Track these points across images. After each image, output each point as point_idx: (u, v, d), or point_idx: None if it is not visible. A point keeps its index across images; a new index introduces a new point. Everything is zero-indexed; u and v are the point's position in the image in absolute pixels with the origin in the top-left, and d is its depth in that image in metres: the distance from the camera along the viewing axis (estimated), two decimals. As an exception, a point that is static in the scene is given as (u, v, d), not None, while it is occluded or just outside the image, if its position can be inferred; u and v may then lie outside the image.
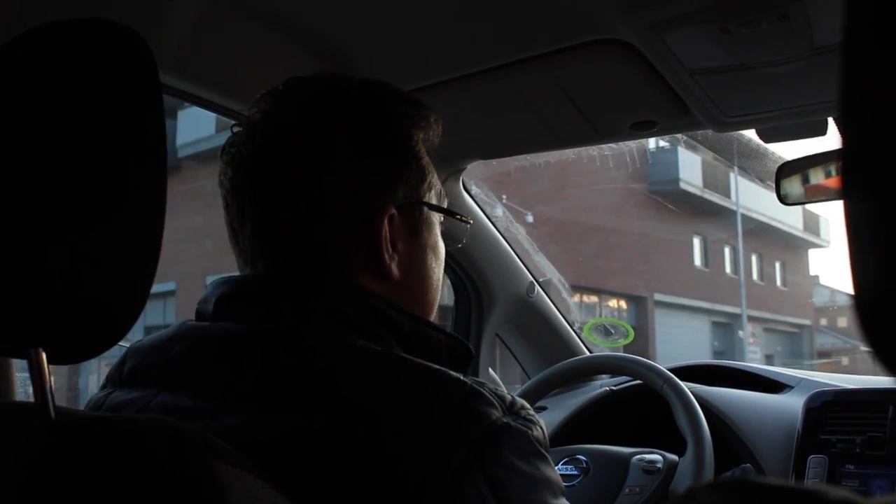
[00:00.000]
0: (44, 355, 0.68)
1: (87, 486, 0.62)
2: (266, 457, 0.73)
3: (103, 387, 0.95)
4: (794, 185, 1.67)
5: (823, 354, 27.24)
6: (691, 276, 23.08)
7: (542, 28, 1.33)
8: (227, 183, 0.97)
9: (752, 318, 24.64)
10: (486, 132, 1.79)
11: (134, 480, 0.62)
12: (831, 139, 1.55)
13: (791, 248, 26.94)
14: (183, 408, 0.82)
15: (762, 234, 23.90)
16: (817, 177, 1.64)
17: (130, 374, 0.93)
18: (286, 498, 0.70)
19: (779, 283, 27.37)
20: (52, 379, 0.68)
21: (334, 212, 0.94)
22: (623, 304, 20.48)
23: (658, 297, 21.02)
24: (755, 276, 26.05)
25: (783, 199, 1.68)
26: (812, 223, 25.90)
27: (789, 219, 23.04)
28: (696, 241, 23.22)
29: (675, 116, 1.55)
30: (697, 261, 23.72)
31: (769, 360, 25.26)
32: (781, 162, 1.67)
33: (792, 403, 1.83)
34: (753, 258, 25.77)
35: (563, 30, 1.33)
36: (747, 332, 24.18)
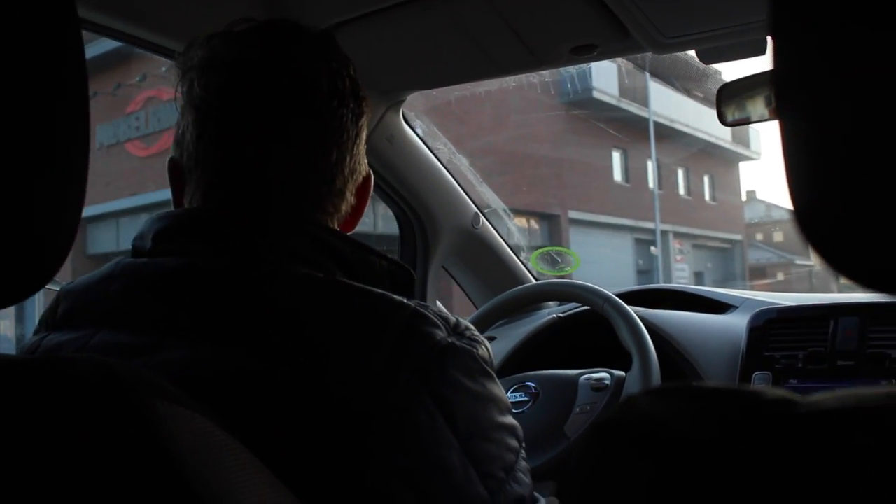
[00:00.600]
0: None
1: (19, 428, 0.60)
2: (207, 391, 0.73)
3: (37, 331, 0.93)
4: (735, 106, 1.67)
5: (758, 270, 27.22)
6: (611, 192, 22.03)
7: (477, -49, 1.30)
8: (197, 103, 0.95)
9: (679, 235, 24.23)
10: (424, 62, 1.76)
11: (67, 419, 0.61)
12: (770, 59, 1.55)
13: (720, 160, 26.15)
14: (122, 345, 0.81)
15: (688, 147, 23.12)
16: (757, 97, 1.64)
17: (65, 315, 0.91)
18: (227, 432, 0.69)
19: (707, 197, 26.62)
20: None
21: (300, 154, 0.94)
22: (534, 222, 18.99)
23: (573, 214, 20.16)
24: (682, 190, 25.25)
25: (723, 120, 1.68)
26: (741, 135, 25.28)
27: (717, 130, 22.00)
28: (616, 156, 22.32)
29: (615, 39, 1.53)
30: (618, 176, 22.73)
31: (699, 277, 25.43)
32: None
33: (736, 323, 1.86)
34: (680, 172, 25.05)
35: (498, -48, 1.30)
36: (673, 249, 23.56)
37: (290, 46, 0.96)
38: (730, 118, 1.67)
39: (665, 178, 24.24)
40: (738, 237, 27.07)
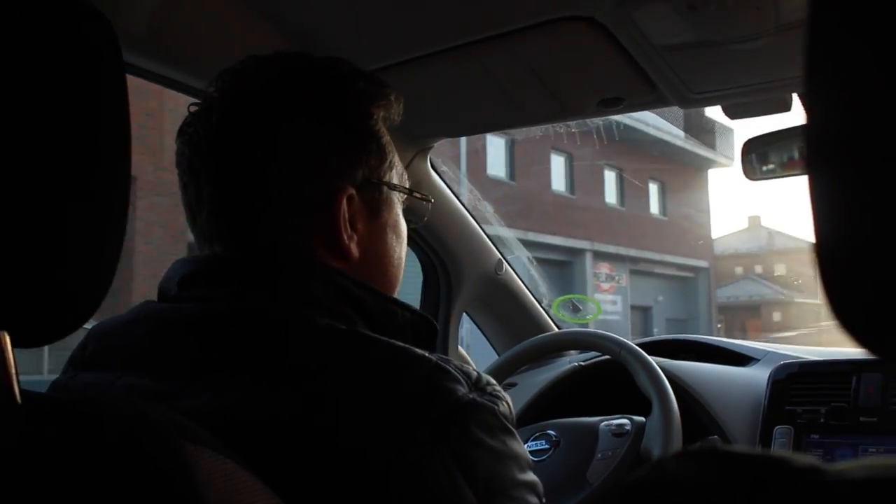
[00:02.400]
0: (8, 338, 0.67)
1: (52, 467, 0.61)
2: (232, 436, 0.73)
3: (65, 370, 0.94)
4: (759, 161, 1.68)
5: (751, 308, 23.72)
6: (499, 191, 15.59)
7: (509, 5, 1.32)
8: (185, 163, 0.96)
9: (605, 255, 19.03)
10: (453, 110, 1.79)
11: (99, 460, 0.62)
12: (796, 115, 1.55)
13: (677, 163, 19.73)
14: (146, 389, 0.82)
15: (626, 143, 15.47)
16: (782, 153, 1.66)
17: (93, 356, 0.92)
18: (253, 476, 0.70)
19: (655, 210, 20.93)
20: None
21: (293, 192, 0.94)
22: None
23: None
24: (612, 198, 19.79)
25: (748, 175, 1.69)
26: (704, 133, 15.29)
27: (666, 124, 13.32)
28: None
29: (642, 93, 1.55)
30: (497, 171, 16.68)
31: (644, 312, 20.63)
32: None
33: (757, 376, 1.85)
34: (608, 174, 19.32)
35: (529, 7, 1.32)
36: (590, 273, 18.09)
37: (240, 81, 0.96)
38: (754, 173, 1.68)
39: (585, 180, 18.74)
40: (703, 264, 22.02)
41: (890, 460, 0.41)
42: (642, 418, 1.66)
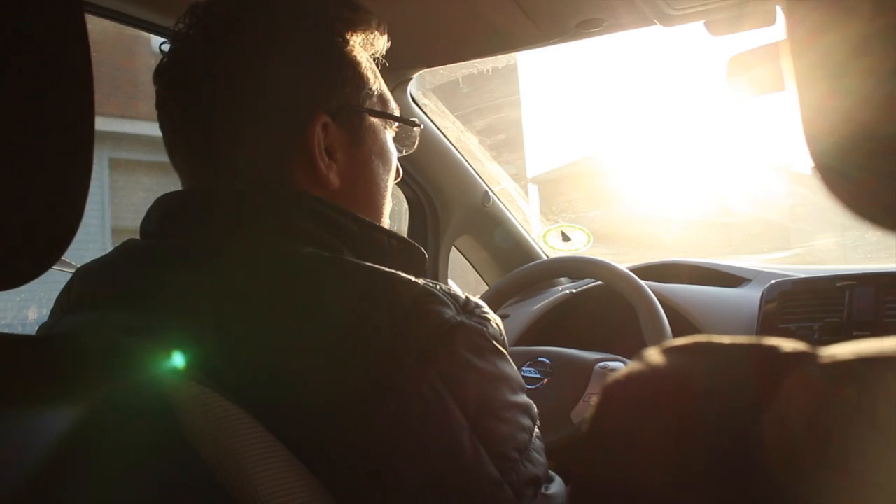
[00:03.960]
0: None
1: (28, 400, 0.61)
2: (217, 367, 0.73)
3: (52, 314, 0.95)
4: (743, 78, 1.65)
5: None
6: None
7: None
8: (160, 102, 0.95)
9: None
10: (431, 39, 1.75)
11: (79, 392, 0.62)
12: (780, 29, 1.52)
13: None
14: (132, 326, 0.81)
15: None
16: (766, 68, 1.62)
17: (78, 297, 0.92)
18: (239, 408, 0.69)
19: None
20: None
21: (266, 122, 0.92)
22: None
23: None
24: None
25: (735, 94, 1.66)
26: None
27: None
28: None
29: (622, 12, 1.52)
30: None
31: None
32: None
33: (750, 296, 1.85)
34: None
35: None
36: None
37: (209, 14, 0.95)
38: (738, 90, 1.64)
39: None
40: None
41: (879, 340, 0.40)
42: None
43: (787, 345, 0.42)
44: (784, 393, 0.40)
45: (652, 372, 0.45)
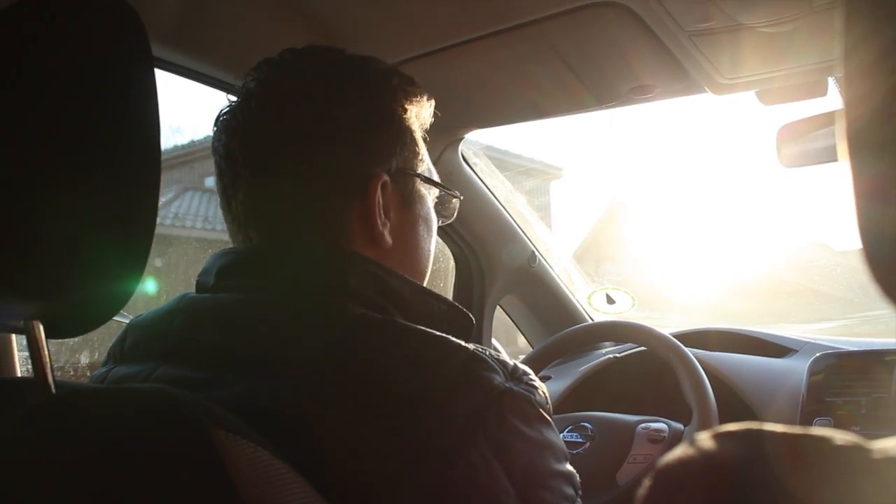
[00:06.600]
0: (41, 329, 0.67)
1: (85, 454, 0.62)
2: (267, 425, 0.73)
3: (104, 363, 0.96)
4: (794, 148, 1.65)
5: None
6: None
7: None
8: (221, 149, 0.97)
9: None
10: (483, 101, 1.78)
11: (132, 447, 0.62)
12: (831, 100, 1.53)
13: None
14: (183, 379, 0.82)
15: None
16: (817, 139, 1.62)
17: (132, 348, 0.93)
18: (287, 465, 0.69)
19: None
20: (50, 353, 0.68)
21: (328, 180, 0.94)
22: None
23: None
24: None
25: (784, 162, 1.66)
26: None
27: None
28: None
29: (674, 80, 1.53)
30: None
31: None
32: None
33: (796, 367, 1.82)
34: None
35: (558, -7, 1.31)
36: None
37: (278, 71, 0.98)
38: (790, 160, 1.64)
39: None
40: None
41: None
42: (680, 426, 1.63)
43: (840, 437, 0.42)
44: (833, 487, 0.40)
45: (703, 458, 0.45)
